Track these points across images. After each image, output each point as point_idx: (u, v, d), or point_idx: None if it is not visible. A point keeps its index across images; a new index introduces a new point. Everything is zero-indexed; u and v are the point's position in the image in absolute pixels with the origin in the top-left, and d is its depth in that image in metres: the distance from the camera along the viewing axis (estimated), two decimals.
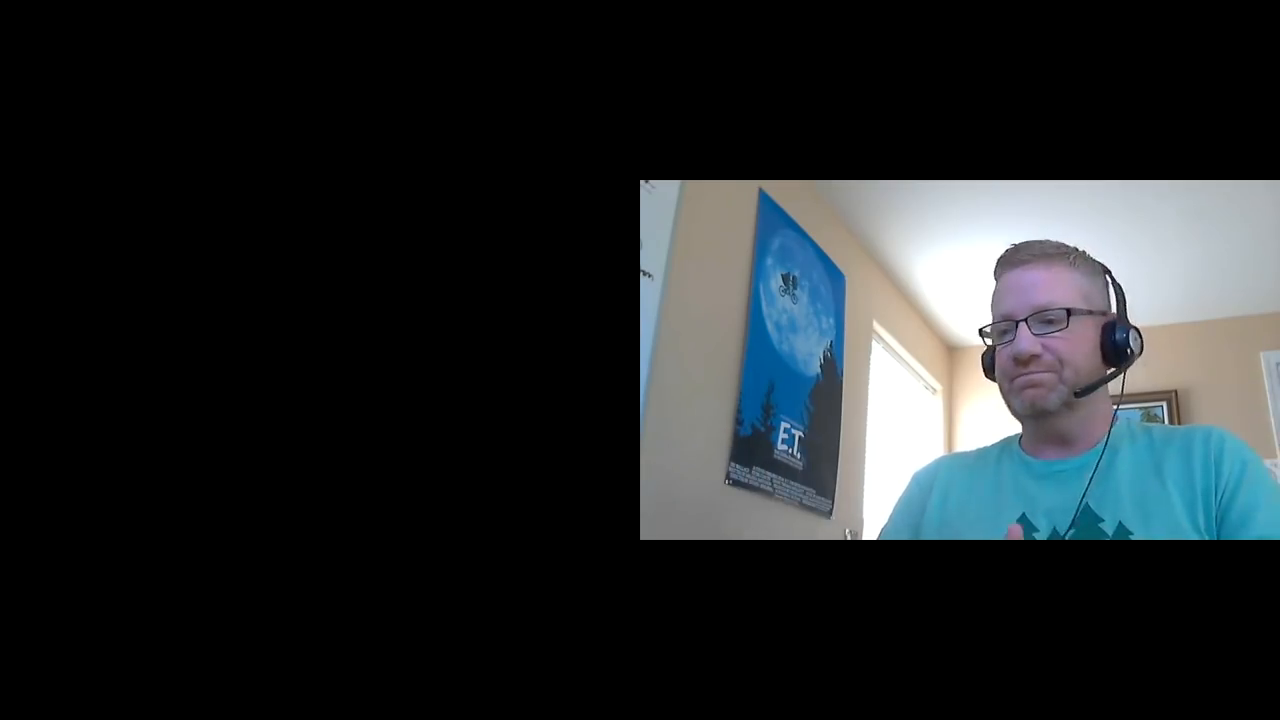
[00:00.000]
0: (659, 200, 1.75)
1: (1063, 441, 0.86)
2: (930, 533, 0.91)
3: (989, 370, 0.93)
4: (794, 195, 2.38)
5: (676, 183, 1.82)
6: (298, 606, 0.53)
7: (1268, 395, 2.97)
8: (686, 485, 1.81)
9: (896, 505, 1.00)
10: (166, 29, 0.56)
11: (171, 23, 0.56)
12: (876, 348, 3.02)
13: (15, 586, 0.50)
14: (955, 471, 0.96)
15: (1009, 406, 0.88)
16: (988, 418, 3.57)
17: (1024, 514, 0.82)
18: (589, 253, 0.58)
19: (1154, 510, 0.75)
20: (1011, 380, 0.85)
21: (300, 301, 0.56)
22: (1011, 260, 0.88)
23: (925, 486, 0.97)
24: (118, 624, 0.51)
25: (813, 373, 2.41)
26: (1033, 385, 0.82)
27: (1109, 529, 0.75)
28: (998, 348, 0.88)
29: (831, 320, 2.57)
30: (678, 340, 1.81)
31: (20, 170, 0.53)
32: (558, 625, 0.54)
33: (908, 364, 3.34)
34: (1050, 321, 0.82)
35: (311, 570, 0.53)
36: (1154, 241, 2.66)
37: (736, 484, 1.97)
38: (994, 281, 0.90)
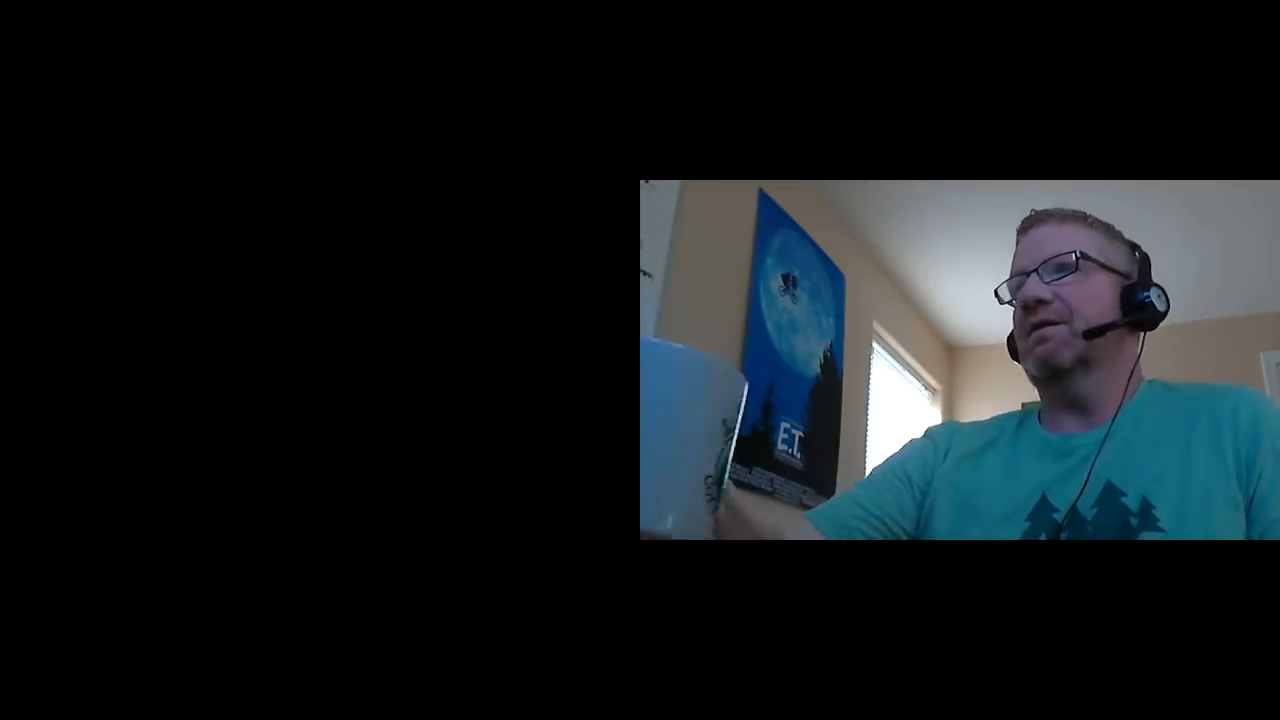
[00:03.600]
0: (659, 200, 1.75)
1: (1081, 409, 0.81)
2: (943, 500, 0.85)
3: (1014, 350, 0.87)
4: (794, 195, 2.39)
5: (676, 183, 1.82)
6: (294, 602, 0.53)
7: (1268, 396, 2.97)
8: None
9: (901, 452, 0.95)
10: (166, 28, 0.56)
11: (171, 22, 0.56)
12: (876, 348, 3.03)
13: (15, 586, 0.50)
14: (971, 441, 0.91)
15: (1027, 373, 0.83)
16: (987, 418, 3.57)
17: (1044, 494, 0.77)
18: (589, 253, 0.58)
19: (1178, 479, 0.71)
20: (1025, 338, 0.81)
21: (300, 302, 0.56)
22: (1027, 222, 0.87)
23: (940, 448, 0.92)
24: (117, 623, 0.51)
25: (813, 373, 2.41)
26: (1043, 341, 0.79)
27: (1132, 504, 0.71)
28: (1014, 312, 0.84)
29: (831, 320, 2.57)
30: (678, 340, 1.81)
31: (19, 170, 0.53)
32: (557, 624, 0.54)
33: (908, 364, 3.34)
34: (1061, 268, 0.79)
35: (309, 568, 0.53)
36: (1154, 241, 2.66)
37: (736, 484, 1.97)
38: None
